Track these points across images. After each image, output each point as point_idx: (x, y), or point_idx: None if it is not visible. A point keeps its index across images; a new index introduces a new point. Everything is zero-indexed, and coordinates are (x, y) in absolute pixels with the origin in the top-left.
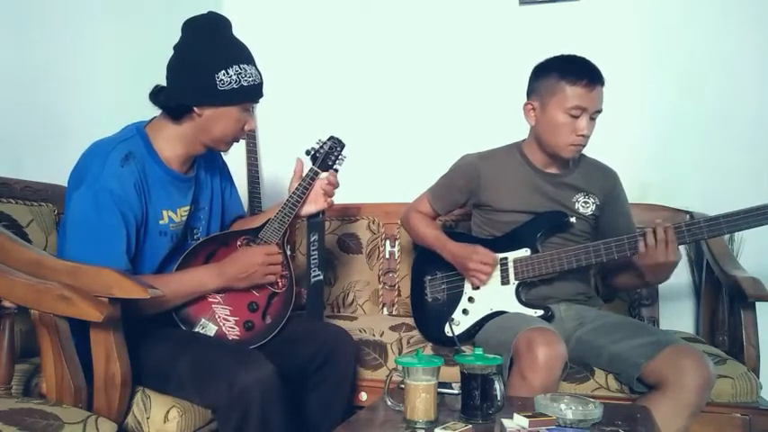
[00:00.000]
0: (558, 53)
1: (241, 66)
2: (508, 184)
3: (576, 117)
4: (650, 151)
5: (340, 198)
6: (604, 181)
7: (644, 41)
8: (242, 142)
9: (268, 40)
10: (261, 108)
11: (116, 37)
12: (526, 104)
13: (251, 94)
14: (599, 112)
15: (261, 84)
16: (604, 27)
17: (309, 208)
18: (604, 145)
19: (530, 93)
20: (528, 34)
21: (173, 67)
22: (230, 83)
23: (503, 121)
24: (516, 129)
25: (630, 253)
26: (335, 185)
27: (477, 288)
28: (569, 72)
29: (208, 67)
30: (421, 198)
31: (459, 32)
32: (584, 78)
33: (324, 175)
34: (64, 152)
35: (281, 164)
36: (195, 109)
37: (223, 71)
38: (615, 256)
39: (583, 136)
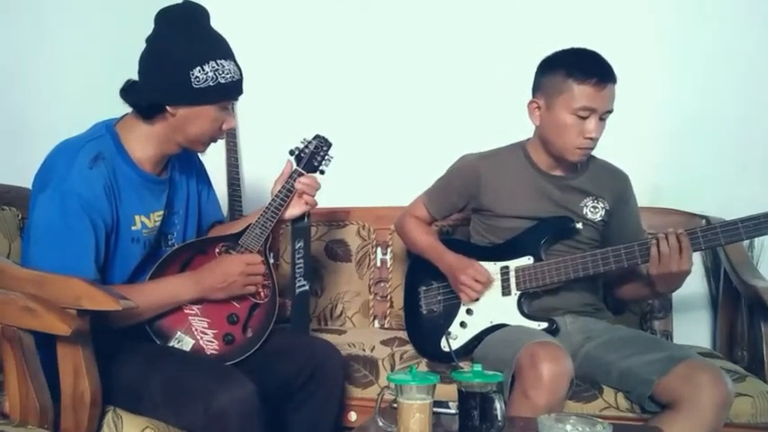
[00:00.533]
0: (567, 45)
1: (218, 61)
2: (510, 188)
3: (585, 118)
4: (664, 152)
5: (327, 201)
6: (615, 184)
7: (660, 36)
8: (221, 141)
9: (250, 31)
10: (242, 104)
11: (85, 26)
12: (531, 103)
13: (229, 91)
14: (609, 112)
15: (240, 80)
16: (617, 19)
17: (293, 211)
18: (614, 145)
19: (535, 89)
20: (535, 23)
21: (144, 62)
22: (206, 80)
23: (506, 119)
24: (521, 127)
25: (641, 261)
26: (315, 186)
27: (476, 299)
28: (577, 68)
29: (182, 64)
30: (416, 201)
31: (458, 20)
32: (594, 76)
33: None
34: (28, 152)
35: (264, 164)
36: (168, 108)
37: (198, 68)
38: (625, 264)
39: (591, 139)
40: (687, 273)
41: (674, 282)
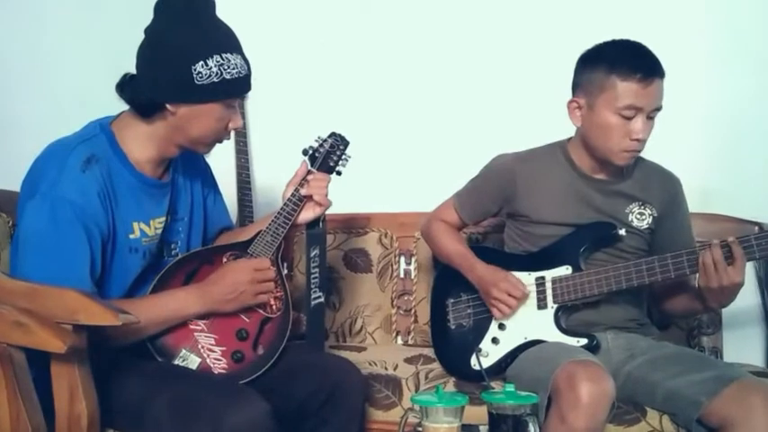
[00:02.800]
0: (608, 37)
1: (223, 55)
2: (549, 192)
3: (630, 118)
4: (713, 153)
5: (346, 207)
6: (665, 189)
7: (711, 28)
8: (230, 141)
9: (259, 21)
10: (253, 101)
11: (78, 14)
12: (570, 102)
13: (235, 88)
14: (658, 109)
15: (247, 76)
16: (663, 8)
17: (307, 215)
18: (660, 145)
19: (575, 87)
20: (574, 12)
21: (142, 56)
22: (210, 76)
23: (544, 116)
24: (561, 125)
25: (690, 271)
26: (323, 185)
27: (502, 316)
28: (621, 63)
29: (183, 58)
30: (446, 204)
31: (493, 5)
32: (639, 71)
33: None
34: (16, 153)
35: (276, 166)
36: (168, 106)
37: (201, 62)
38: (672, 274)
39: (638, 140)
40: (740, 286)
41: (726, 296)
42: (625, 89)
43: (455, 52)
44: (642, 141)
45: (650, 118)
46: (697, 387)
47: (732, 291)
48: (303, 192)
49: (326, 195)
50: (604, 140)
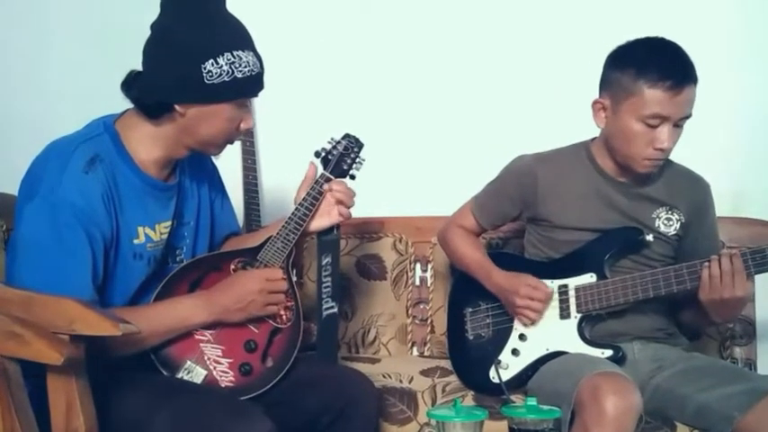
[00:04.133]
0: (640, 34)
1: (235, 53)
2: (572, 195)
3: (655, 126)
4: (745, 155)
5: (359, 211)
6: (693, 194)
7: (743, 26)
8: (237, 142)
9: (270, 16)
10: (261, 99)
11: (79, 8)
12: (595, 102)
13: (247, 87)
14: (687, 117)
15: (260, 74)
16: (693, 6)
17: (320, 222)
18: (689, 147)
19: (602, 86)
20: (598, 9)
21: (149, 53)
22: (221, 75)
23: (567, 115)
24: (585, 125)
25: (691, 286)
26: (351, 195)
27: (531, 323)
28: (650, 67)
29: (192, 55)
30: (463, 209)
31: (513, 5)
32: (669, 78)
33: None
34: (14, 153)
35: (286, 168)
36: (177, 107)
37: (212, 60)
38: (688, 285)
39: (662, 150)
40: (741, 300)
41: (728, 311)
42: (652, 97)
43: (474, 47)
44: (666, 151)
45: (678, 126)
46: (729, 401)
47: (734, 305)
48: (335, 196)
49: (348, 207)
50: (627, 147)
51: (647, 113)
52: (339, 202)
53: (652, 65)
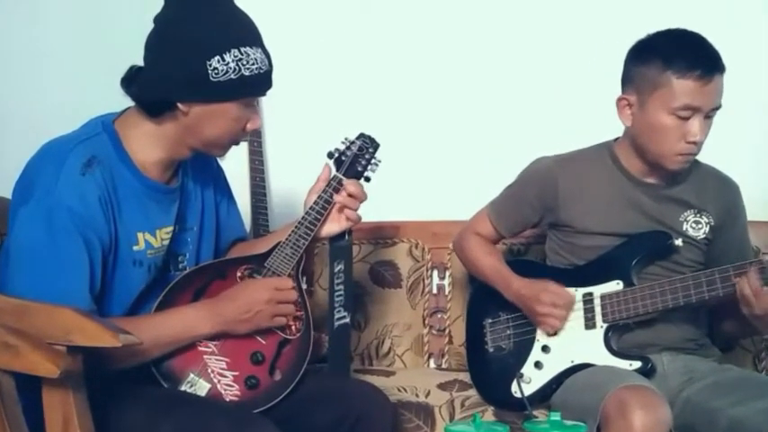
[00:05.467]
0: (662, 26)
1: (242, 49)
2: (595, 198)
3: (686, 119)
4: None
5: (373, 215)
6: (722, 196)
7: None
8: (244, 143)
9: (278, 9)
10: (269, 96)
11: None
12: (620, 99)
13: (254, 86)
14: (717, 108)
15: (269, 72)
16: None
17: (332, 227)
18: (718, 148)
19: (625, 83)
20: (618, 4)
21: (151, 47)
22: (227, 72)
23: (589, 114)
24: (608, 125)
25: (723, 292)
26: (360, 198)
27: (555, 334)
28: (677, 58)
29: (198, 51)
30: (480, 215)
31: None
32: (698, 67)
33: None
34: (7, 154)
35: (296, 170)
36: (180, 105)
37: (218, 57)
38: (720, 292)
39: (694, 143)
40: None
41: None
42: (682, 87)
43: (494, 46)
44: (699, 144)
45: (708, 117)
46: (764, 416)
47: None
48: (338, 199)
49: (357, 210)
50: (657, 143)
51: (677, 105)
52: (343, 207)
53: (679, 55)
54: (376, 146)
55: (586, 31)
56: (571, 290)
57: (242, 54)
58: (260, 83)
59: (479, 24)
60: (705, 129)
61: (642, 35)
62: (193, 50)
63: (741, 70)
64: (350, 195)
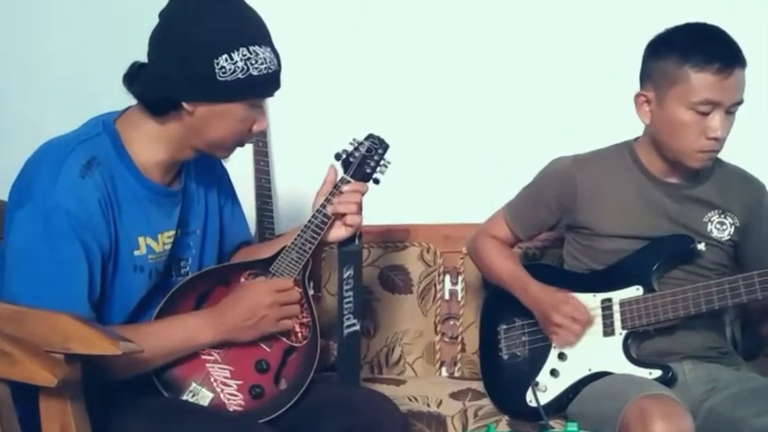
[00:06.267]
0: (681, 20)
1: (251, 48)
2: (615, 199)
3: (706, 114)
4: None
5: (382, 218)
6: (747, 195)
7: None
8: (249, 143)
9: (288, 9)
10: (276, 97)
11: None
12: (638, 95)
13: (262, 86)
14: (739, 103)
15: (277, 72)
16: None
17: (340, 232)
18: (742, 145)
19: (643, 78)
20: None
21: (156, 44)
22: (235, 72)
23: (609, 112)
24: (628, 123)
25: (747, 299)
26: (356, 199)
27: (566, 346)
28: (695, 51)
29: (205, 50)
30: (495, 217)
31: None
32: (717, 61)
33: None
34: (4, 155)
35: (302, 171)
36: (185, 105)
37: (226, 55)
38: (759, 295)
39: (715, 139)
40: None
41: None
42: (700, 81)
43: (506, 41)
44: (720, 140)
45: (730, 113)
46: None
47: None
48: (329, 210)
49: (359, 213)
50: (677, 140)
51: (696, 100)
52: (342, 214)
53: (697, 48)
54: (385, 147)
55: (602, 28)
56: (590, 295)
57: (251, 53)
58: (268, 83)
59: (492, 21)
60: (726, 124)
61: (656, 31)
62: (200, 48)
63: (762, 66)
64: (355, 191)
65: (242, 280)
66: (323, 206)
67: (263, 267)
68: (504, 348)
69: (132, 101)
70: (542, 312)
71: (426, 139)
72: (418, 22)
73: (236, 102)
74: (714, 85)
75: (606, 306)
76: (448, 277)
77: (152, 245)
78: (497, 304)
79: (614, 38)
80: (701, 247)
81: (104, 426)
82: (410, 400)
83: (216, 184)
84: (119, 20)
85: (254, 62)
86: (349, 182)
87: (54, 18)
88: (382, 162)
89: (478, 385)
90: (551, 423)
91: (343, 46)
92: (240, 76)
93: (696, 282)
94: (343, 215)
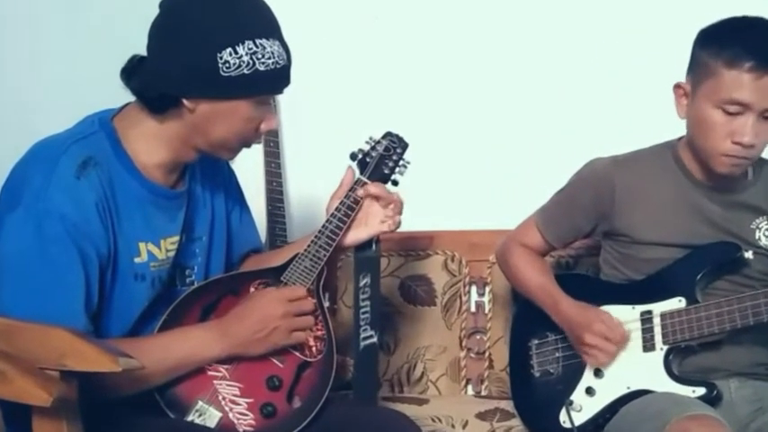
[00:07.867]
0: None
1: (257, 41)
2: (656, 204)
3: (735, 115)
4: None
5: (404, 224)
6: None
7: None
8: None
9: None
10: (286, 93)
11: None
12: (676, 87)
13: (269, 82)
14: None
15: (286, 67)
16: None
17: (357, 235)
18: None
19: (688, 69)
20: None
21: (156, 36)
22: (239, 66)
23: (652, 109)
24: (669, 124)
25: None
26: (386, 198)
27: (599, 365)
28: (730, 45)
29: (207, 42)
30: (527, 223)
31: None
32: (750, 59)
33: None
34: None
35: (316, 173)
36: (185, 102)
37: (230, 49)
38: None
39: (741, 145)
40: None
41: None
42: (731, 79)
43: (537, 36)
44: (748, 147)
45: (766, 119)
46: None
47: None
48: (360, 192)
49: (398, 215)
50: (703, 139)
51: (723, 98)
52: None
53: (734, 42)
54: (404, 146)
55: (644, 21)
56: (628, 308)
57: (257, 47)
58: (276, 79)
59: (523, 17)
60: (760, 131)
61: (697, 25)
62: (203, 41)
63: None
64: (374, 197)
65: (251, 290)
66: (338, 209)
67: (273, 276)
68: (536, 365)
69: (130, 97)
70: (573, 331)
71: (450, 137)
72: (443, 9)
73: (240, 99)
74: (745, 85)
75: (646, 319)
76: (474, 288)
77: (154, 251)
78: (528, 317)
79: (654, 33)
80: (749, 255)
81: None
82: (433, 420)
83: (223, 187)
84: (118, 11)
85: (260, 56)
86: (365, 183)
87: (48, 9)
88: (401, 162)
89: (507, 405)
90: None
91: (360, 37)
92: (245, 71)
93: (742, 293)
94: (373, 205)
